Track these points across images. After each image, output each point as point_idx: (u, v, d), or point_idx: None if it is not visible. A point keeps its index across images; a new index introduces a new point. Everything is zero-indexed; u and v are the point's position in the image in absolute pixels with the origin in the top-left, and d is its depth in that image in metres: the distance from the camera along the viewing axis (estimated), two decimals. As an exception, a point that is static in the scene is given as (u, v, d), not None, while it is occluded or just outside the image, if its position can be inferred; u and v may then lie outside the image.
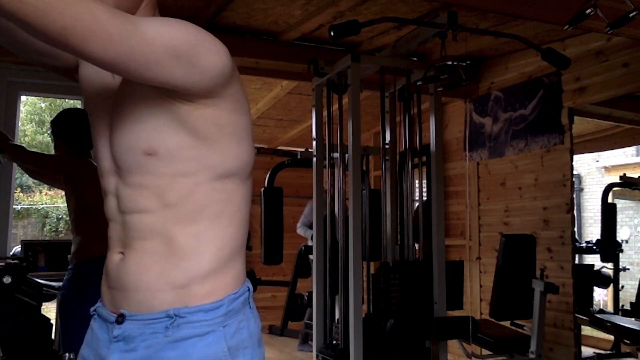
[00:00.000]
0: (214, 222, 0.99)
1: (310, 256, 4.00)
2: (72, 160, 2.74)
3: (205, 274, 0.98)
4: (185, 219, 0.97)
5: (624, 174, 4.97)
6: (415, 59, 3.88)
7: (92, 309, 1.07)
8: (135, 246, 0.99)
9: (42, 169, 2.88)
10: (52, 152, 2.89)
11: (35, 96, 9.94)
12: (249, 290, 1.05)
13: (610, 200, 4.82)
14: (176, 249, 0.97)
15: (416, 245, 3.09)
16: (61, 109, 3.41)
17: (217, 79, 0.93)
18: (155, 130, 0.95)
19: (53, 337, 2.83)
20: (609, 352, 4.42)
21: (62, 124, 2.75)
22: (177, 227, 0.97)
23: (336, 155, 3.11)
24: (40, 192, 12.51)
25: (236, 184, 1.01)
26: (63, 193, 3.26)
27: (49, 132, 12.93)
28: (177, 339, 0.95)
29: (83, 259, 2.54)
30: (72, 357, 2.91)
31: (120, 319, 0.98)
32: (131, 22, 0.84)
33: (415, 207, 3.13)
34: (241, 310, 1.01)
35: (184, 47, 0.88)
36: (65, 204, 3.02)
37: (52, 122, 2.82)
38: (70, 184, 2.69)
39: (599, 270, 4.54)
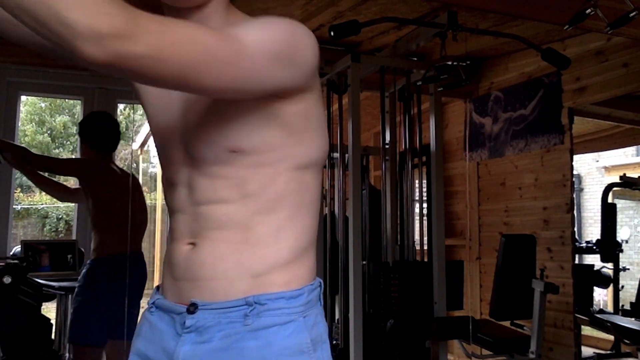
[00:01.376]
0: (292, 212, 0.96)
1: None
2: (84, 163, 2.93)
3: (285, 262, 0.94)
4: (265, 208, 0.94)
5: (624, 174, 4.97)
6: (415, 59, 3.88)
7: (150, 301, 1.03)
8: (210, 236, 0.95)
9: (54, 172, 3.09)
10: (53, 152, 2.96)
11: (35, 96, 9.93)
12: (320, 285, 1.01)
13: (610, 200, 4.82)
14: (255, 238, 0.94)
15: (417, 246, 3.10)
16: (61, 109, 3.47)
17: (313, 73, 0.92)
18: (242, 129, 0.92)
19: (53, 337, 2.83)
20: (609, 352, 4.42)
21: (89, 127, 2.92)
22: (257, 216, 0.94)
23: (336, 155, 3.11)
24: (40, 192, 12.50)
25: (314, 174, 0.98)
26: (63, 193, 3.32)
27: (49, 132, 12.96)
28: (257, 328, 0.90)
29: (100, 257, 2.74)
30: (71, 357, 2.92)
31: (192, 308, 0.93)
32: (235, 39, 0.81)
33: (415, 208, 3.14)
34: (317, 304, 0.98)
35: (284, 49, 0.85)
36: (65, 204, 3.14)
37: (80, 124, 3.02)
38: (85, 186, 2.85)
39: (599, 270, 4.54)
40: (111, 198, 2.80)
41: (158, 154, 1.05)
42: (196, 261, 0.95)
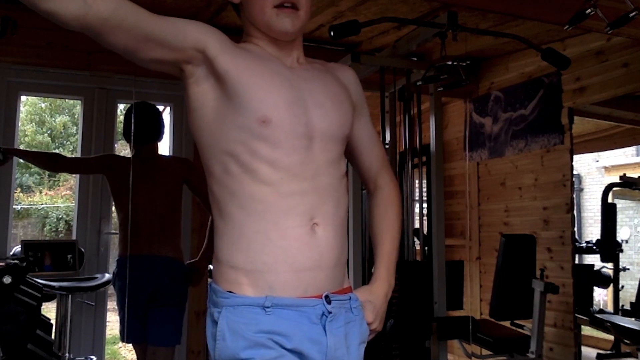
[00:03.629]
0: None
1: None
2: (102, 159, 2.92)
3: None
4: (346, 190, 1.15)
5: (624, 174, 4.96)
6: (415, 59, 3.88)
7: (267, 302, 1.04)
8: (328, 213, 1.08)
9: (82, 172, 3.26)
10: (53, 151, 2.95)
11: (35, 96, 9.93)
12: None
13: (610, 200, 4.82)
14: (345, 221, 1.12)
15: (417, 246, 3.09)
16: (61, 109, 3.46)
17: None
18: (347, 118, 1.17)
19: (53, 337, 2.83)
20: (609, 352, 4.41)
21: (125, 123, 2.80)
22: (345, 197, 1.13)
23: (336, 155, 3.11)
24: (40, 192, 12.49)
25: None
26: (63, 193, 3.32)
27: (49, 132, 12.93)
28: (360, 316, 1.15)
29: (119, 257, 2.76)
30: (71, 357, 2.92)
31: (328, 300, 1.07)
32: None
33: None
34: None
35: None
36: (65, 204, 3.10)
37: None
38: (109, 185, 2.85)
39: (599, 270, 4.53)
40: (126, 197, 2.69)
41: (256, 132, 1.05)
42: (324, 244, 1.07)
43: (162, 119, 2.87)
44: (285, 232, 1.05)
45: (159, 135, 2.84)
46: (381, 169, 1.32)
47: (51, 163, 2.96)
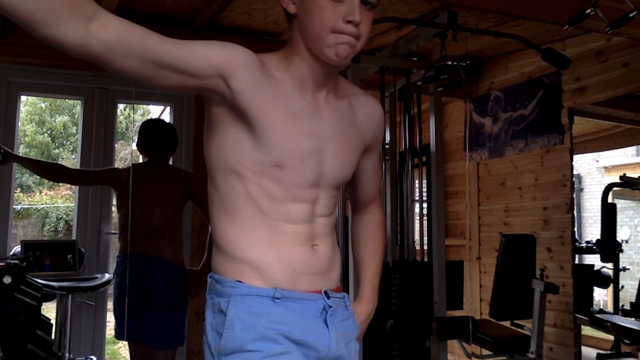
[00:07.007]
0: None
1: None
2: (110, 171, 3.00)
3: None
4: (333, 226, 1.23)
5: (624, 174, 4.96)
6: (415, 59, 3.88)
7: (276, 295, 1.08)
8: (325, 240, 1.18)
9: (87, 184, 3.29)
10: (53, 152, 2.97)
11: (35, 96, 9.92)
12: None
13: (610, 200, 4.82)
14: (336, 245, 1.24)
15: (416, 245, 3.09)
16: (61, 109, 3.47)
17: None
18: (353, 167, 1.23)
19: (53, 337, 2.83)
20: (609, 352, 4.42)
21: (140, 134, 2.91)
22: (333, 229, 1.23)
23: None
24: (40, 192, 12.49)
25: None
26: (63, 193, 3.32)
27: (49, 132, 12.94)
28: (353, 313, 1.24)
29: (119, 255, 2.82)
30: (71, 357, 2.92)
31: (327, 295, 1.15)
32: None
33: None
34: None
35: None
36: (65, 204, 3.12)
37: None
38: (115, 191, 2.95)
39: (599, 270, 4.54)
40: (126, 201, 2.76)
41: (269, 172, 1.10)
42: (324, 258, 1.17)
43: (177, 137, 2.98)
44: (286, 246, 1.11)
45: (172, 148, 2.93)
46: (374, 198, 1.42)
47: (53, 174, 3.00)
